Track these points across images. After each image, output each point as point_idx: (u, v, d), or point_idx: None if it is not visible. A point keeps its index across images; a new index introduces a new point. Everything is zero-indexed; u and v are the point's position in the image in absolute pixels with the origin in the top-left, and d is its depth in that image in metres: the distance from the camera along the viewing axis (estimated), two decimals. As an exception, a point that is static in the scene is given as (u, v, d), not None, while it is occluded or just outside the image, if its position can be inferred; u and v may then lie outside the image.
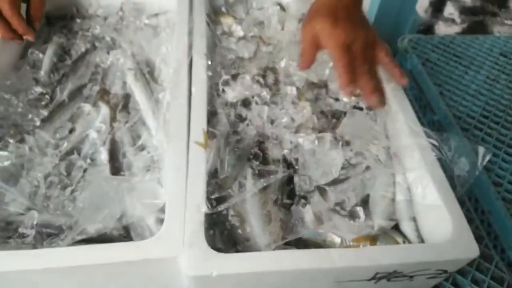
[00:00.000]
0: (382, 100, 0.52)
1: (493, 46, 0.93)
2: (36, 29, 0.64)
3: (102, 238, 0.46)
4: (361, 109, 0.59)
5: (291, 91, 0.60)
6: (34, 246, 0.45)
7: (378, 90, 0.51)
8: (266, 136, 0.54)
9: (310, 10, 0.56)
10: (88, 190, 0.49)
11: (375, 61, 0.54)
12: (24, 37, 0.62)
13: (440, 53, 0.91)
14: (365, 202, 0.50)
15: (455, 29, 2.38)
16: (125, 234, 0.47)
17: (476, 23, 2.39)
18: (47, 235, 0.46)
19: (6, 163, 0.51)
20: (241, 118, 0.56)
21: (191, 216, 0.42)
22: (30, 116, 0.57)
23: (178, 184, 0.45)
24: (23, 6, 0.63)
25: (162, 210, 0.47)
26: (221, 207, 0.43)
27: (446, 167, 0.50)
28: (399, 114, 0.53)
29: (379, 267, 0.40)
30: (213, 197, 0.44)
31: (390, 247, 0.43)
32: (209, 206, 0.42)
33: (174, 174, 0.46)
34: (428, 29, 2.34)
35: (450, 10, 2.52)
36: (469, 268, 0.55)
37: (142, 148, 0.54)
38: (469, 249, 0.41)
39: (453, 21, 2.45)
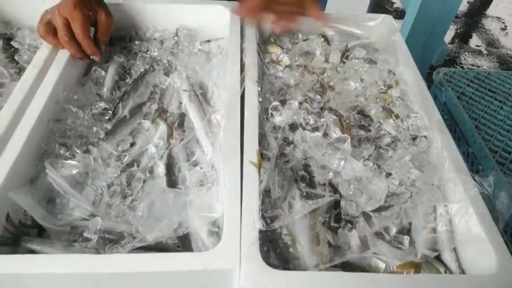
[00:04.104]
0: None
1: (528, 82, 0.95)
2: (102, 51, 0.71)
3: (158, 247, 0.50)
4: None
5: (335, 118, 0.63)
6: (97, 251, 0.49)
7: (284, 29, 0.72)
8: (312, 160, 0.57)
9: None
10: (149, 200, 0.53)
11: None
12: (91, 57, 0.69)
13: (475, 87, 0.93)
14: (407, 230, 0.52)
15: (481, 60, 2.39)
16: (179, 244, 0.51)
17: (503, 55, 2.40)
18: (109, 241, 0.50)
19: (74, 171, 0.56)
20: (287, 142, 0.60)
21: (247, 232, 0.45)
22: (95, 129, 0.62)
23: (234, 201, 0.48)
24: (92, 29, 0.70)
25: (213, 223, 0.51)
26: (274, 226, 0.46)
27: (486, 201, 0.51)
28: (444, 150, 0.55)
29: (425, 294, 0.42)
30: (266, 215, 0.47)
31: (437, 276, 0.45)
32: (264, 223, 0.45)
33: (230, 190, 0.49)
34: (454, 60, 2.36)
35: (476, 41, 2.54)
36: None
37: (195, 164, 0.59)
38: (514, 284, 0.43)
39: (480, 52, 2.47)
